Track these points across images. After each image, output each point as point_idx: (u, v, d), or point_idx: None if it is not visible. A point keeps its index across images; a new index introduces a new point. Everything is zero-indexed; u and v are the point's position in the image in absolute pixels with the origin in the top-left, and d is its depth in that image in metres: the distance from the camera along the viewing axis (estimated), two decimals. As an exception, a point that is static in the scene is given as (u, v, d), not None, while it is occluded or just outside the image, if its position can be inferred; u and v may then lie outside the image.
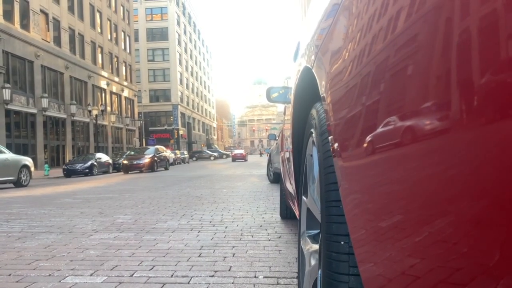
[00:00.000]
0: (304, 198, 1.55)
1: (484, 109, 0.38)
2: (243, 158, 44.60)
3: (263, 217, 4.69)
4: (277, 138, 10.40)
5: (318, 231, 1.51)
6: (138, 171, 21.04)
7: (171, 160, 35.06)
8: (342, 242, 0.92)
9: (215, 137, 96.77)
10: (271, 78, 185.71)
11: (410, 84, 0.54)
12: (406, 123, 0.54)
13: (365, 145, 0.72)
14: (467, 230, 0.41)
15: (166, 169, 23.67)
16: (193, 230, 3.92)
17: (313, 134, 1.30)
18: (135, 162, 21.12)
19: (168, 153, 26.00)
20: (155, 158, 21.92)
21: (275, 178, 10.39)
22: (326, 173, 1.05)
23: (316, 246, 1.38)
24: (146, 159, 21.23)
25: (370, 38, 0.70)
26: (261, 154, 74.34)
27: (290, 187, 2.68)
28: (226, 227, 4.08)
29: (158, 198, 7.24)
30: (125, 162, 21.36)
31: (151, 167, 21.24)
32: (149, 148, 23.88)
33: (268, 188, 8.93)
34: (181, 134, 61.94)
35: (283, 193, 4.31)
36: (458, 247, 0.43)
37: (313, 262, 1.34)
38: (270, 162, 11.29)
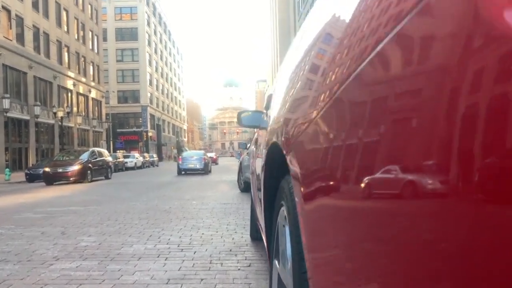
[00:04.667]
0: (276, 262, 1.48)
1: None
2: (214, 161, 45.14)
3: (233, 238, 4.60)
4: (247, 147, 10.33)
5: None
6: (65, 182, 16.51)
7: (140, 163, 33.76)
8: None
9: (185, 139, 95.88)
10: (243, 80, 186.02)
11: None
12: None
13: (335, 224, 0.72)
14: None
15: (107, 178, 19.36)
16: (160, 257, 3.78)
17: (284, 208, 1.24)
18: (60, 170, 16.58)
19: (109, 158, 20.92)
20: (89, 165, 17.38)
21: (246, 187, 10.33)
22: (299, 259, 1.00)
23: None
24: (75, 166, 16.67)
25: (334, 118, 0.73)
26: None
27: (259, 212, 2.63)
28: (194, 252, 3.97)
29: (125, 212, 7.02)
30: (47, 169, 16.76)
31: (83, 176, 16.78)
32: (84, 152, 19.14)
33: (238, 199, 8.85)
34: (150, 136, 60.98)
35: (253, 212, 4.24)
36: None
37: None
38: (240, 171, 11.21)
